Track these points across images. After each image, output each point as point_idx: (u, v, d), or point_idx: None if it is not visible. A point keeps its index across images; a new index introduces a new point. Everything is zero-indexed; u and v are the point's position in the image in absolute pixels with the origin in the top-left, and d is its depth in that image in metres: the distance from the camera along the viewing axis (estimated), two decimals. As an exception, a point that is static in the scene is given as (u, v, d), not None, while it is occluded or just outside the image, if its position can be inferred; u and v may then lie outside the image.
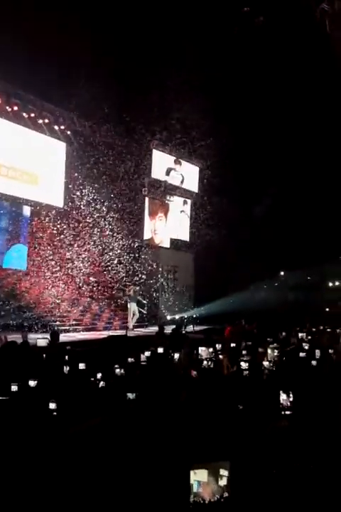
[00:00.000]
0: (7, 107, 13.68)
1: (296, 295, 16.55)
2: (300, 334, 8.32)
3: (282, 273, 21.75)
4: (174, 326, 11.03)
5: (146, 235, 16.73)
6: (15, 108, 13.92)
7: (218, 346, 7.30)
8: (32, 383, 4.62)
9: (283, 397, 4.03)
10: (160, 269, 17.07)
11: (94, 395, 4.28)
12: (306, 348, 7.11)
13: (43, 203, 15.09)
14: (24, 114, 14.19)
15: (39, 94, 14.48)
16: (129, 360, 6.57)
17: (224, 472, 2.06)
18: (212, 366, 5.45)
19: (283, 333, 7.92)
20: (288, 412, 3.90)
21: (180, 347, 6.95)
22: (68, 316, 13.96)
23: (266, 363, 6.12)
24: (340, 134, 17.30)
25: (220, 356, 6.57)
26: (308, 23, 13.55)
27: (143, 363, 6.83)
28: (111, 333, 12.48)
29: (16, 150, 13.99)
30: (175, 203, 18.15)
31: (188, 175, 18.48)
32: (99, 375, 5.21)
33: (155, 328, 12.61)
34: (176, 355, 6.92)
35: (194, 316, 15.00)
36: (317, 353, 6.77)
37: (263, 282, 21.28)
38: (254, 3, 13.80)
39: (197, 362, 5.98)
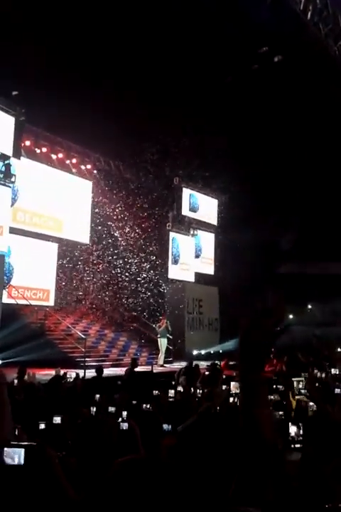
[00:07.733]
0: (36, 149, 14.22)
1: (323, 330, 16.09)
2: (332, 370, 8.06)
3: (309, 306, 21.28)
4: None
5: (171, 271, 16.76)
6: (44, 150, 14.45)
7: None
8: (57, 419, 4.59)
9: (293, 429, 4.19)
10: (186, 303, 16.99)
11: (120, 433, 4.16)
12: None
13: (69, 239, 15.44)
14: (52, 156, 14.72)
15: (66, 136, 15.06)
16: (155, 392, 6.58)
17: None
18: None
19: (315, 371, 7.69)
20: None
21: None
22: (95, 351, 13.95)
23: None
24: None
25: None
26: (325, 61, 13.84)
27: (170, 400, 6.74)
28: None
29: (44, 191, 14.42)
30: (198, 236, 18.23)
31: (208, 209, 18.60)
32: (124, 414, 5.08)
33: (180, 364, 12.48)
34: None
35: (220, 351, 14.71)
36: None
37: (289, 316, 20.83)
38: (272, 43, 14.21)
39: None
